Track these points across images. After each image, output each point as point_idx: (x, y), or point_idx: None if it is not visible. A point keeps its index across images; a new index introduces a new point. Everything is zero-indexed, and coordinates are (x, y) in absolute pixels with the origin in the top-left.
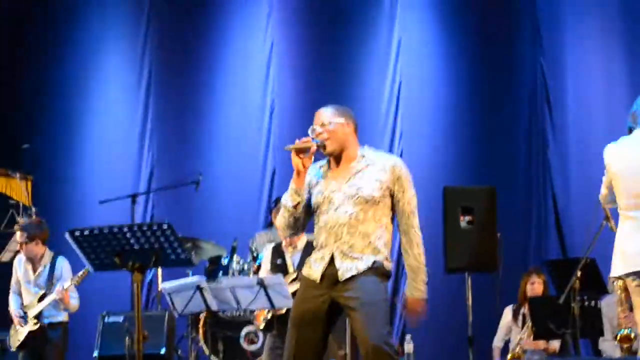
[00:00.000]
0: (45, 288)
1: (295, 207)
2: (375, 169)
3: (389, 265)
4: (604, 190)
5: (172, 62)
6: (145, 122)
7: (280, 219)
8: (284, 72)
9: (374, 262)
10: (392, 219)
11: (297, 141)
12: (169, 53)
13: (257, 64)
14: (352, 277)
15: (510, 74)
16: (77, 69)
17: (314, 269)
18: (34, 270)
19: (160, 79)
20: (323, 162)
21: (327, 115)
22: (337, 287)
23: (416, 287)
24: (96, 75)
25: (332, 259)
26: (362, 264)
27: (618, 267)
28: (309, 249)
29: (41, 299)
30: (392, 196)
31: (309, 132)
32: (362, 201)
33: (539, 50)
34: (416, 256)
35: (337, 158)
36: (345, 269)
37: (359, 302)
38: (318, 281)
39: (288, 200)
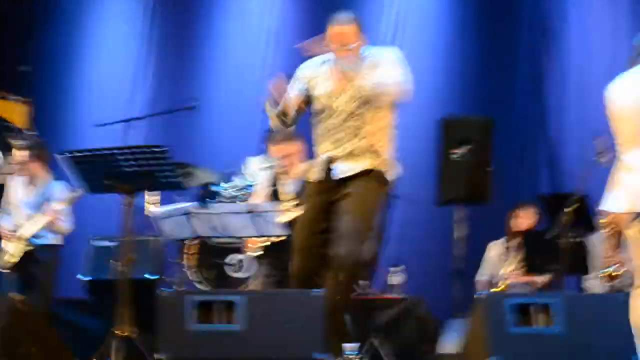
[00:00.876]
0: (39, 209)
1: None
2: (374, 66)
3: (392, 171)
4: None
5: None
6: (145, 49)
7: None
8: (286, 2)
9: (374, 166)
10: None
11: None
12: None
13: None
14: (350, 179)
15: (512, 4)
16: None
17: (316, 173)
18: (28, 193)
19: (161, 7)
20: (327, 57)
21: (350, 36)
22: (335, 190)
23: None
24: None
25: (331, 160)
26: (359, 166)
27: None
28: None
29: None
30: None
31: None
32: (364, 101)
33: None
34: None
35: None
36: (341, 169)
37: (346, 208)
38: (319, 180)
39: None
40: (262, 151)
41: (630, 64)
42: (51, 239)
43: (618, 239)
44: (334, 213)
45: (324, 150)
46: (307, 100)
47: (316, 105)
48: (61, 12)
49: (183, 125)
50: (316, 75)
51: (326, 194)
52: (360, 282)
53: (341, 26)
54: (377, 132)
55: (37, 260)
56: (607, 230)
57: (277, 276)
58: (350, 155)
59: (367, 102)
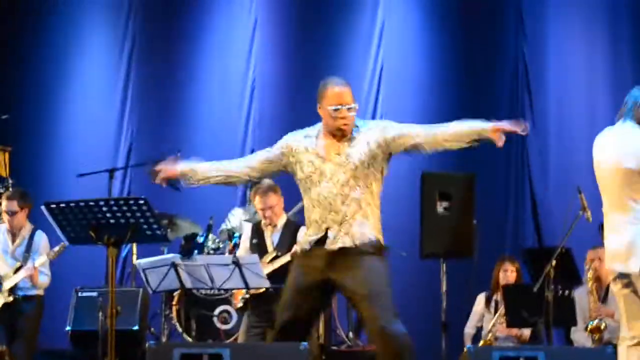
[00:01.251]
0: (22, 260)
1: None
2: (363, 133)
3: (382, 238)
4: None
5: (154, 37)
6: (126, 98)
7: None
8: (266, 50)
9: (370, 240)
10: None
11: None
12: (151, 29)
13: (239, 40)
14: (350, 254)
15: (492, 60)
16: (59, 42)
17: (309, 238)
18: (13, 242)
19: (142, 55)
20: (309, 131)
21: (352, 96)
22: (333, 268)
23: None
24: (77, 49)
25: (327, 230)
26: (358, 237)
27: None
28: (289, 227)
29: (17, 270)
30: (381, 148)
31: (343, 105)
32: (352, 167)
33: (521, 37)
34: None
35: (331, 134)
36: (339, 239)
37: (361, 283)
38: (308, 248)
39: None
40: (243, 202)
41: (618, 118)
42: (34, 290)
43: (603, 292)
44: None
45: (316, 218)
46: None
47: (304, 173)
48: (40, 60)
49: None
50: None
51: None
52: (350, 334)
53: (344, 86)
54: (371, 202)
55: (20, 311)
56: (590, 283)
57: (262, 327)
58: (347, 221)
59: (355, 168)
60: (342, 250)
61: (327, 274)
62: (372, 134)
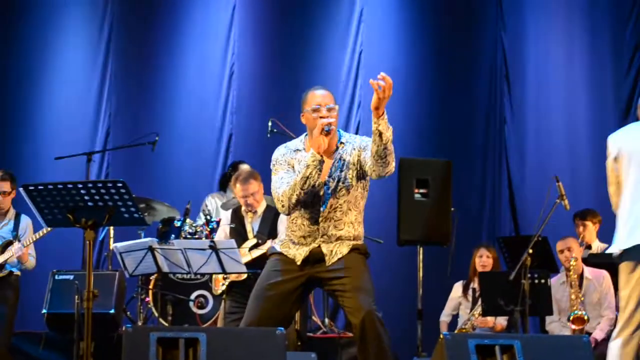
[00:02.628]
0: (12, 238)
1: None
2: (348, 153)
3: (362, 236)
4: (611, 188)
5: (132, 22)
6: (104, 82)
7: (294, 196)
8: (245, 37)
9: (356, 244)
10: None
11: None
12: (130, 13)
13: (218, 25)
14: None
15: (471, 48)
16: (37, 25)
17: (295, 252)
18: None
19: (120, 39)
20: (297, 144)
21: (332, 98)
22: (319, 266)
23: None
24: (55, 33)
25: (316, 248)
26: (345, 248)
27: None
28: (269, 214)
29: (4, 248)
30: (361, 168)
31: (322, 105)
32: (344, 193)
33: (500, 26)
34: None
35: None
36: (332, 254)
37: (347, 277)
38: (298, 264)
39: (314, 176)
40: (220, 187)
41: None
42: (16, 270)
43: (581, 282)
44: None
45: (305, 234)
46: None
47: None
48: (18, 43)
49: (144, 159)
50: (293, 160)
51: (304, 271)
52: (326, 320)
53: (324, 89)
54: (358, 215)
55: (2, 290)
56: (571, 273)
57: (239, 313)
58: (339, 243)
59: (347, 192)
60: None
61: (309, 273)
62: (353, 154)
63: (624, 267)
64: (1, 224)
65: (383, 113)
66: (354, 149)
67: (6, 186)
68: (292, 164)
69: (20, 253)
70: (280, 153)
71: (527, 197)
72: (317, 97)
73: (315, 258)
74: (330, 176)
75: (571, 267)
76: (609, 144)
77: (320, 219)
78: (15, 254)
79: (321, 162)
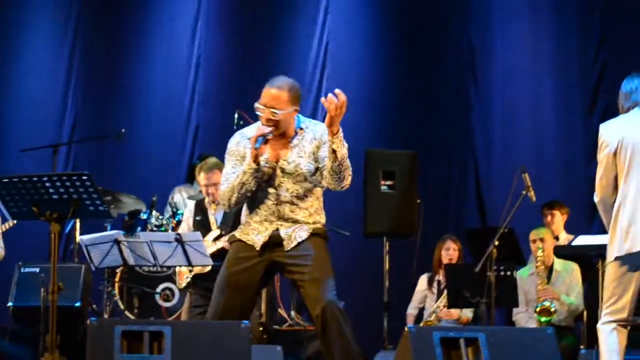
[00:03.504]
0: None
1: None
2: (308, 141)
3: (324, 220)
4: (605, 180)
5: (99, 13)
6: (70, 74)
7: (233, 198)
8: (212, 28)
9: (315, 228)
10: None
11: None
12: (96, 6)
13: (184, 18)
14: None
15: (437, 39)
16: (4, 17)
17: (253, 238)
18: None
19: (87, 31)
20: (253, 130)
21: (281, 102)
22: (279, 250)
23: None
24: (23, 24)
25: (273, 232)
26: (304, 232)
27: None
28: (233, 213)
29: None
30: (317, 159)
31: (255, 106)
32: (301, 179)
33: (466, 16)
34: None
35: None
36: (290, 239)
37: (308, 265)
38: (258, 249)
39: (250, 182)
40: (187, 180)
41: (632, 106)
42: None
43: (547, 273)
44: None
45: (262, 219)
46: None
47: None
48: None
49: (110, 151)
50: (246, 149)
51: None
52: (292, 312)
53: (274, 89)
54: (315, 201)
55: None
56: (538, 264)
57: (204, 307)
58: (296, 227)
59: (304, 178)
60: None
61: (269, 258)
62: (312, 144)
63: (616, 267)
64: None
65: (338, 131)
66: (314, 138)
67: None
68: (243, 154)
69: None
70: (234, 142)
71: (494, 188)
72: (263, 95)
73: (275, 242)
74: (286, 160)
75: (538, 258)
76: (603, 135)
77: (277, 202)
78: None
79: (257, 169)
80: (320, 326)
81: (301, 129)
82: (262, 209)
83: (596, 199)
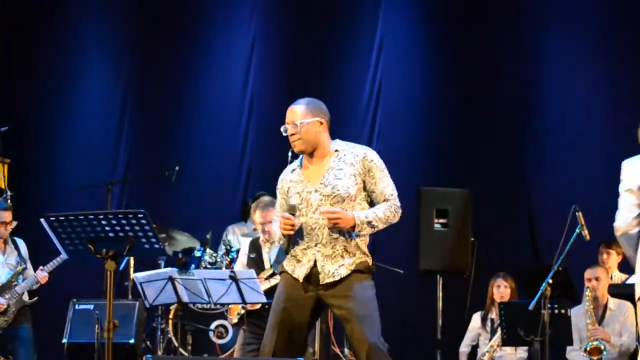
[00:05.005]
0: (16, 267)
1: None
2: (348, 164)
3: (370, 261)
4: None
5: (152, 54)
6: (124, 114)
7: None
8: (265, 67)
9: (357, 264)
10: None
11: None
12: (151, 47)
13: (238, 56)
14: (339, 280)
15: (490, 74)
16: (60, 57)
17: (298, 270)
18: (3, 252)
19: (140, 72)
20: (295, 164)
21: (298, 114)
22: (323, 287)
23: (360, 214)
24: (78, 65)
25: (315, 262)
26: (344, 269)
27: None
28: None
29: (16, 276)
30: (364, 188)
31: (282, 130)
32: (339, 200)
33: (521, 56)
34: (384, 210)
35: (309, 155)
36: (327, 273)
37: (351, 305)
38: (301, 281)
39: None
40: (240, 218)
41: None
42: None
43: (601, 312)
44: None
45: (303, 247)
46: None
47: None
48: (43, 74)
49: (164, 188)
50: (289, 182)
51: (311, 291)
52: (345, 350)
53: (292, 105)
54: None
55: (22, 320)
56: (588, 303)
57: (256, 344)
58: (334, 255)
59: (342, 200)
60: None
61: (316, 293)
62: (355, 167)
63: None
64: (6, 253)
65: (354, 226)
66: (356, 161)
67: (8, 216)
68: (285, 189)
69: (42, 278)
70: (280, 178)
71: (548, 228)
72: (286, 115)
73: (316, 278)
74: (322, 182)
75: (587, 297)
76: (626, 169)
77: (315, 225)
78: (42, 279)
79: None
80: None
81: (337, 150)
82: (303, 235)
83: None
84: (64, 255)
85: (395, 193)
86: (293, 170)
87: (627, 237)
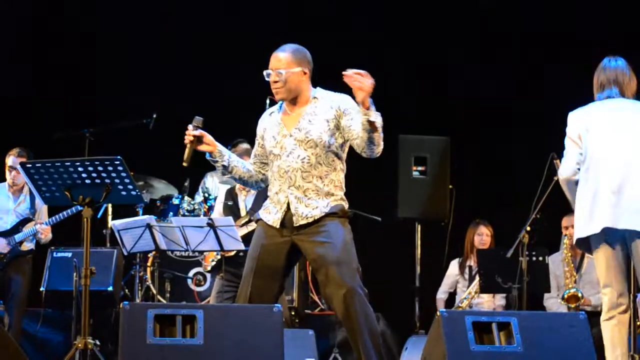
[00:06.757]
0: (30, 215)
1: (227, 170)
2: (323, 110)
3: (346, 205)
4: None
5: None
6: None
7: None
8: None
9: (332, 207)
10: (344, 159)
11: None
12: None
13: None
14: (313, 222)
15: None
16: None
17: (272, 216)
18: (16, 199)
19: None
20: (274, 108)
21: (283, 62)
22: (297, 231)
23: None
24: None
25: (288, 205)
26: (317, 211)
27: None
28: (263, 192)
29: (23, 224)
30: (339, 129)
31: (264, 74)
32: (312, 145)
33: None
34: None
35: (290, 102)
36: (300, 215)
37: (327, 248)
38: (277, 227)
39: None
40: None
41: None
42: (32, 245)
43: (578, 260)
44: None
45: (277, 191)
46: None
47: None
48: None
49: (142, 137)
50: (266, 125)
51: (286, 236)
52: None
53: (278, 52)
54: (331, 172)
55: (18, 267)
56: (565, 251)
57: (232, 292)
58: (307, 197)
59: (315, 145)
60: (309, 224)
61: (291, 238)
62: (329, 113)
63: None
64: (18, 201)
65: (370, 104)
66: (332, 107)
67: (17, 162)
68: (261, 132)
69: (42, 231)
70: (259, 122)
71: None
72: (270, 61)
73: (290, 221)
74: (297, 127)
75: (565, 245)
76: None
77: (288, 168)
78: (40, 230)
79: (214, 160)
80: (343, 312)
81: (315, 98)
82: (277, 179)
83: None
84: (70, 211)
85: None
86: (271, 113)
87: (570, 183)
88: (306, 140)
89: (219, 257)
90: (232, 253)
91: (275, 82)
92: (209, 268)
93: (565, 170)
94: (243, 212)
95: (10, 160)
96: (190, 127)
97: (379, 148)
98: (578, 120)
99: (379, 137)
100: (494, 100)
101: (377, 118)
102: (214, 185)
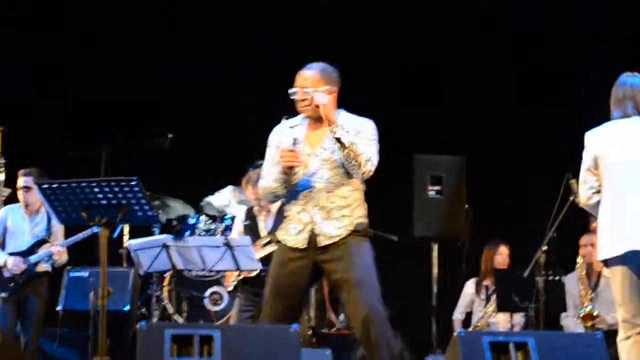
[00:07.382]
0: (46, 237)
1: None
2: (346, 131)
3: (367, 223)
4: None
5: None
6: None
7: (267, 197)
8: None
9: (355, 225)
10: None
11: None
12: None
13: None
14: (337, 241)
15: None
16: None
17: (294, 237)
18: (31, 219)
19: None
20: (296, 120)
21: (310, 81)
22: (321, 252)
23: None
24: None
25: (311, 225)
26: (341, 230)
27: None
28: (280, 212)
29: (38, 245)
30: None
31: (289, 93)
32: (337, 165)
33: None
34: (362, 150)
35: (314, 120)
36: (325, 235)
37: (350, 268)
38: (299, 247)
39: (277, 188)
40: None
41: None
42: (47, 266)
43: (595, 279)
44: (333, 281)
45: (299, 210)
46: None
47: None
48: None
49: (157, 156)
50: (284, 139)
51: (308, 257)
52: (341, 317)
53: (305, 70)
54: (354, 192)
55: (33, 288)
56: (580, 270)
57: (252, 311)
58: (331, 217)
59: (340, 165)
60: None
61: (313, 258)
62: (351, 133)
63: None
64: (34, 222)
65: (333, 123)
66: (355, 128)
67: (29, 182)
68: (278, 143)
69: (58, 252)
70: (274, 132)
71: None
72: (296, 79)
73: (314, 241)
74: (322, 146)
75: (579, 264)
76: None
77: (313, 188)
78: (55, 251)
79: (286, 178)
80: (362, 333)
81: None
82: (299, 198)
83: None
84: (85, 234)
85: (376, 160)
86: (293, 126)
87: (589, 207)
88: (331, 159)
89: (241, 277)
90: (254, 273)
91: (302, 100)
92: (230, 288)
93: (581, 197)
94: (263, 233)
95: (21, 181)
96: (291, 148)
97: (364, 168)
98: (594, 141)
99: (354, 155)
100: (507, 117)
101: (341, 134)
102: (226, 201)
